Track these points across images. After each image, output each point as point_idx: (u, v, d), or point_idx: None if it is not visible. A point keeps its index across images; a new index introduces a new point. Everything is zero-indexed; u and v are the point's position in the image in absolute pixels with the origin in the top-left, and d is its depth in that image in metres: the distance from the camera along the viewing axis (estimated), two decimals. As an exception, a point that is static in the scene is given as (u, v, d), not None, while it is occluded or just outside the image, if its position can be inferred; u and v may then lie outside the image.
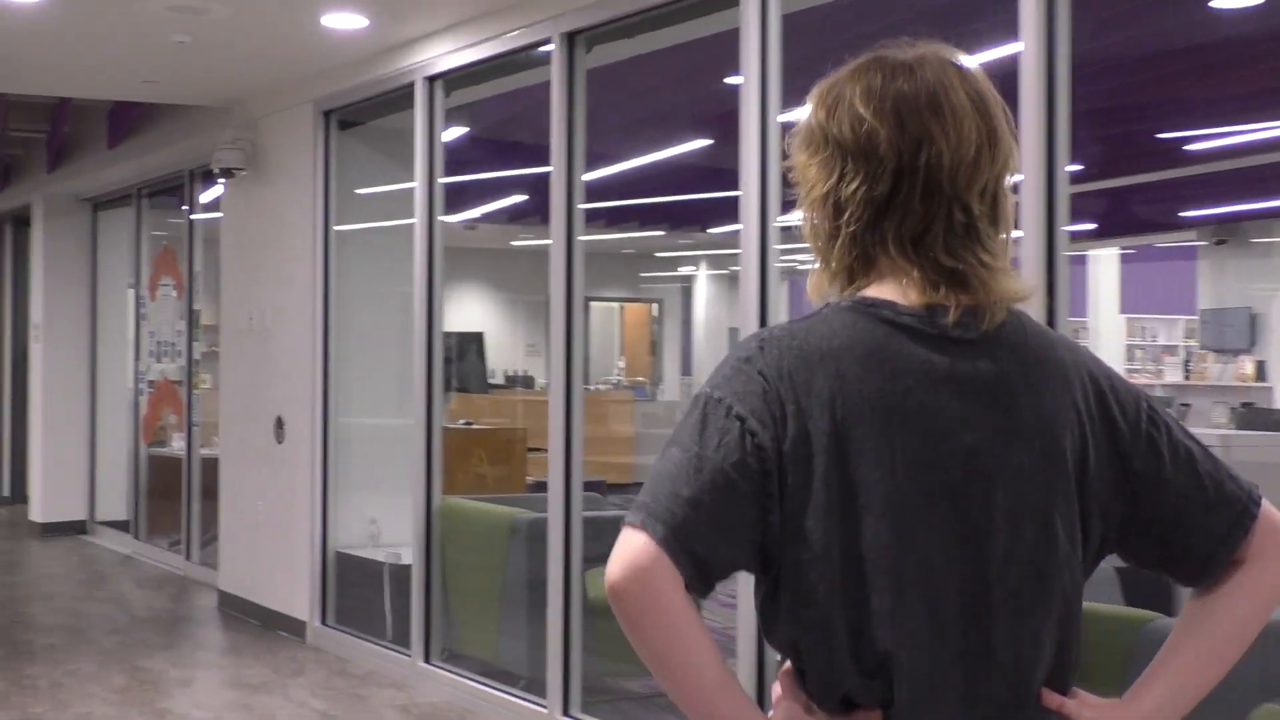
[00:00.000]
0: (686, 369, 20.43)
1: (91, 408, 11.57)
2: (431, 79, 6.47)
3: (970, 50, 1.68)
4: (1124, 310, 16.30)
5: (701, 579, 1.51)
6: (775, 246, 4.63)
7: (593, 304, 19.90)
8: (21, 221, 12.54)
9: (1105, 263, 15.70)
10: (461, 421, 9.63)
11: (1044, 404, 1.57)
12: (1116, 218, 12.91)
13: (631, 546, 1.49)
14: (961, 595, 1.53)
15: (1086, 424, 1.58)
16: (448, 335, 9.36)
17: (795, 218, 1.67)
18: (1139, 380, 13.62)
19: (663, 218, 16.26)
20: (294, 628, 7.43)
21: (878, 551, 1.52)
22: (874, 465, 1.52)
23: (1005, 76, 3.42)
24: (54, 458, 11.51)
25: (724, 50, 4.97)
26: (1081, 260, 15.18)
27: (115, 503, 11.09)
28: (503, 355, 18.30)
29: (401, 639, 6.65)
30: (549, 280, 5.72)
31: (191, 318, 9.71)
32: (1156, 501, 1.60)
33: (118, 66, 7.19)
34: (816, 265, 1.65)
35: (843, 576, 1.52)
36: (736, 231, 4.73)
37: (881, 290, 1.59)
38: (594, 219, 15.79)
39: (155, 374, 10.38)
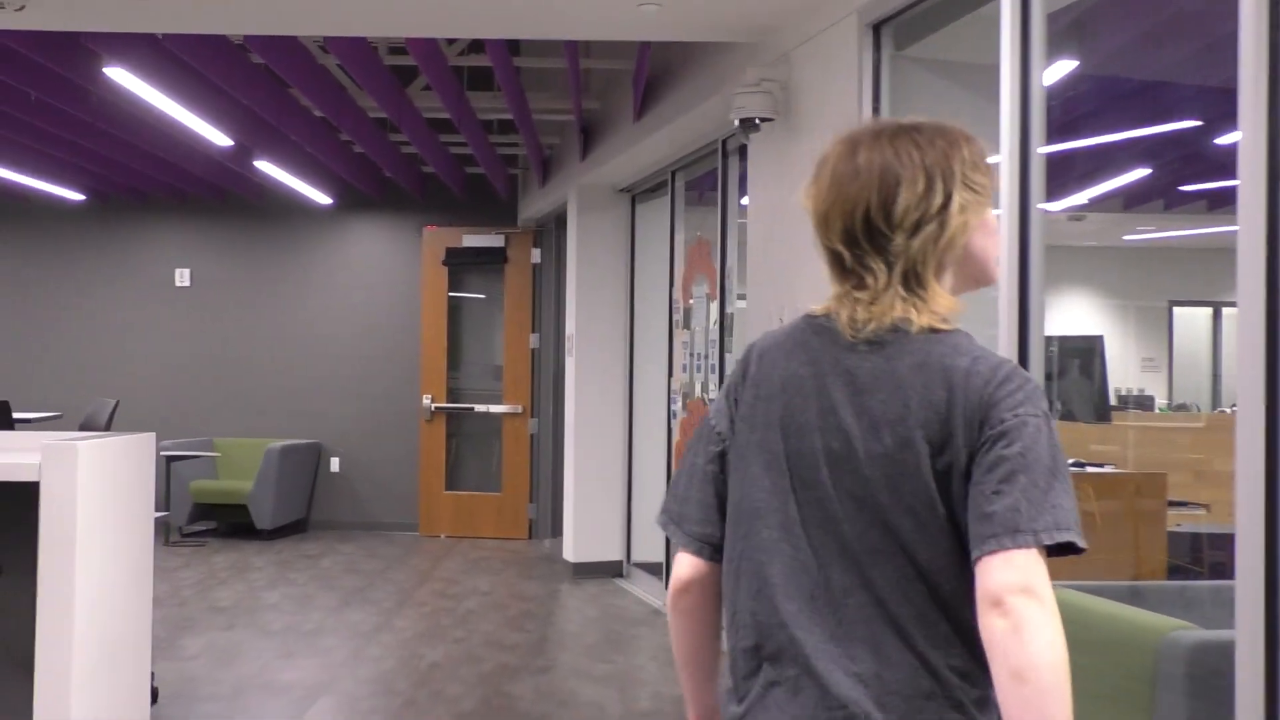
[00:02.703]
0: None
1: (628, 431, 10.04)
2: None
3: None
4: None
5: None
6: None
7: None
8: (563, 222, 11.29)
9: None
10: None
11: (914, 399, 1.81)
12: None
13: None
14: (827, 544, 1.83)
15: (958, 419, 1.78)
16: (1050, 341, 6.87)
17: None
18: None
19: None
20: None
21: (758, 500, 1.89)
22: (769, 430, 1.89)
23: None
24: (588, 488, 10.07)
25: None
26: None
27: (655, 543, 9.46)
28: (1111, 372, 15.40)
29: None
30: (1236, 279, 3.21)
31: (724, 323, 7.85)
32: (970, 488, 1.78)
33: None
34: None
35: (738, 520, 1.92)
36: None
37: (828, 303, 1.95)
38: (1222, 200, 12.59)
39: (691, 392, 8.62)
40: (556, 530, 11.41)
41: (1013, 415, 1.76)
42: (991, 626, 1.68)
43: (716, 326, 7.98)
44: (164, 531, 11.45)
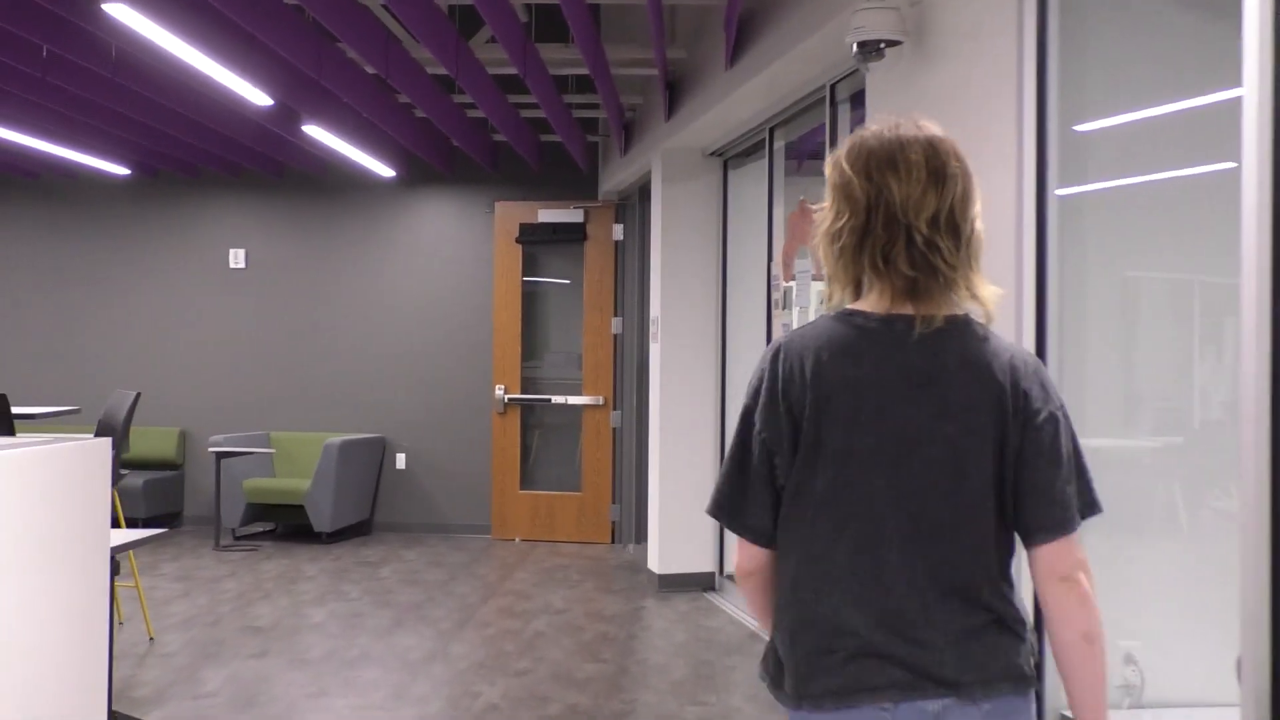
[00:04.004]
0: None
1: (720, 426, 8.90)
2: None
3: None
4: None
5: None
6: None
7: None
8: (648, 193, 10.15)
9: None
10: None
11: (970, 391, 2.11)
12: None
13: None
14: (897, 522, 2.09)
15: (1009, 407, 2.11)
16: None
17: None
18: None
19: None
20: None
21: (831, 489, 2.11)
22: (839, 426, 2.11)
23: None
24: (676, 490, 8.95)
25: None
26: None
27: (749, 552, 8.30)
28: None
29: None
30: None
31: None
32: (1023, 474, 2.12)
33: None
34: (828, 285, 2.25)
35: (809, 507, 2.13)
36: None
37: (864, 302, 2.18)
38: None
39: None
40: (642, 535, 10.30)
41: (1047, 412, 2.13)
42: (1064, 598, 2.11)
43: (823, 307, 6.80)
44: (214, 535, 10.51)
